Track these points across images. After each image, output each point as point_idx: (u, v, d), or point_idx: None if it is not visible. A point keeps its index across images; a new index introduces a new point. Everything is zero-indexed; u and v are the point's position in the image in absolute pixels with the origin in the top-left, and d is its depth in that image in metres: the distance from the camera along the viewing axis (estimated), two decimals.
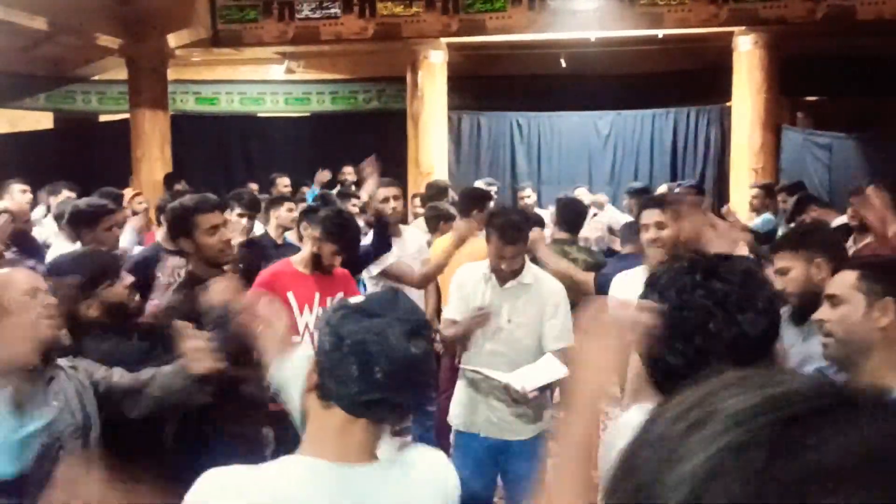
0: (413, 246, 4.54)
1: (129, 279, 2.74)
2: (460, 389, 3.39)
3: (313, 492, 1.27)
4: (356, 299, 1.39)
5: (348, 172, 8.84)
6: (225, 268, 3.04)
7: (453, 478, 1.50)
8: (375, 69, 10.86)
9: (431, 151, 8.99)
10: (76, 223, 4.09)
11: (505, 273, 3.23)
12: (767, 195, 7.03)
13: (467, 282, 3.36)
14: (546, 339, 3.24)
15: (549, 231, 5.15)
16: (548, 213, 6.80)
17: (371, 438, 1.35)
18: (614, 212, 7.35)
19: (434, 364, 1.37)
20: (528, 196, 7.28)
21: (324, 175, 8.45)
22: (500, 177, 9.62)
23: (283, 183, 7.77)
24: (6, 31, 7.56)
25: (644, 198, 3.23)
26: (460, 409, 3.36)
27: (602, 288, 4.40)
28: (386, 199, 4.52)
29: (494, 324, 3.23)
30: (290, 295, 3.36)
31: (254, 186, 7.89)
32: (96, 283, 2.62)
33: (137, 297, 2.81)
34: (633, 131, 9.61)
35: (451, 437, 3.54)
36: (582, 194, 7.49)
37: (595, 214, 6.95)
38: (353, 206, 7.56)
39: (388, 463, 1.37)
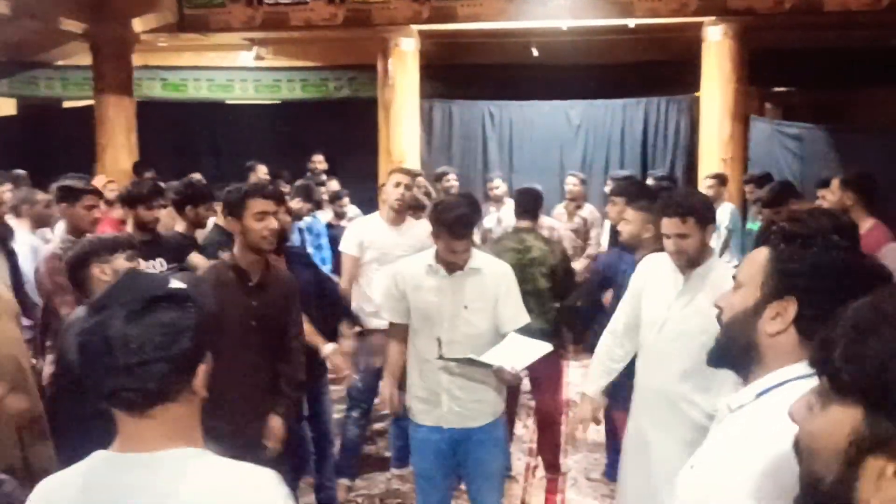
0: (412, 238, 4.51)
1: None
2: (416, 384, 3.36)
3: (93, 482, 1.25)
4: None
5: (318, 161, 8.77)
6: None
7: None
8: (346, 56, 10.77)
9: (403, 140, 8.93)
10: (60, 198, 4.32)
11: (454, 265, 3.24)
12: (721, 185, 7.11)
13: (408, 278, 3.33)
14: (502, 322, 3.27)
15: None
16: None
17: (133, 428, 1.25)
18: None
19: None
20: (498, 187, 7.25)
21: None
22: (471, 166, 9.61)
23: (262, 171, 7.67)
24: None
25: (663, 204, 3.05)
26: (421, 404, 3.34)
27: (599, 275, 4.43)
28: (398, 185, 4.52)
29: (450, 311, 3.23)
30: None
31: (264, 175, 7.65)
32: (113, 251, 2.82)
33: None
34: (603, 121, 9.62)
35: (410, 430, 3.51)
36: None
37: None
38: (323, 195, 7.52)
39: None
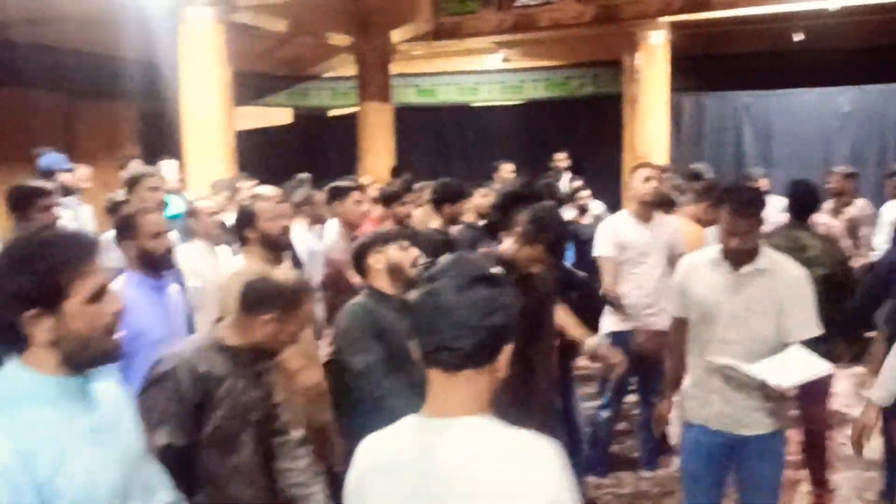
0: (664, 234, 4.43)
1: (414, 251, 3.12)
2: (691, 380, 3.24)
3: (404, 444, 1.41)
4: None
5: (560, 159, 8.80)
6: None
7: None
8: (590, 53, 10.72)
9: (649, 136, 8.72)
10: (331, 197, 4.74)
11: (738, 255, 3.03)
12: None
13: (692, 271, 3.20)
14: (787, 330, 3.01)
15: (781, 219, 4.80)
16: (778, 200, 6.34)
17: (441, 390, 1.39)
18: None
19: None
20: (762, 186, 6.72)
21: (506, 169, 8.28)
22: (724, 161, 9.14)
23: (507, 169, 7.85)
24: (253, 35, 8.32)
25: None
26: (693, 401, 3.22)
27: (881, 276, 4.02)
28: (647, 179, 4.45)
29: (730, 311, 3.05)
30: None
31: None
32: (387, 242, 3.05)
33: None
34: (876, 108, 8.70)
35: (680, 429, 3.40)
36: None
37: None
38: (565, 192, 7.55)
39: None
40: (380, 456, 1.44)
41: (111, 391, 1.64)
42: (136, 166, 4.11)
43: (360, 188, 4.89)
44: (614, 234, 4.52)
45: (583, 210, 7.34)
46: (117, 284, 2.78)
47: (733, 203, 2.96)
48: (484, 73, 11.86)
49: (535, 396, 3.19)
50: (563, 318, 3.71)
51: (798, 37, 9.13)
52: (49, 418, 1.47)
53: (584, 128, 10.15)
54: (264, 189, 5.70)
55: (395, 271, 3.04)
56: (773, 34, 9.30)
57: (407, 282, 3.07)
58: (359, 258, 3.10)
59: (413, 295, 1.42)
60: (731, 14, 8.36)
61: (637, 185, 4.51)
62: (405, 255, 3.06)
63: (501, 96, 11.88)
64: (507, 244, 3.39)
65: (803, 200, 4.33)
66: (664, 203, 4.97)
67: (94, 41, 8.21)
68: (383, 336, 2.90)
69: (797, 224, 4.29)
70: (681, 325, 3.30)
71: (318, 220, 5.82)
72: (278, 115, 12.62)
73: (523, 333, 3.18)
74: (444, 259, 1.46)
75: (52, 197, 3.45)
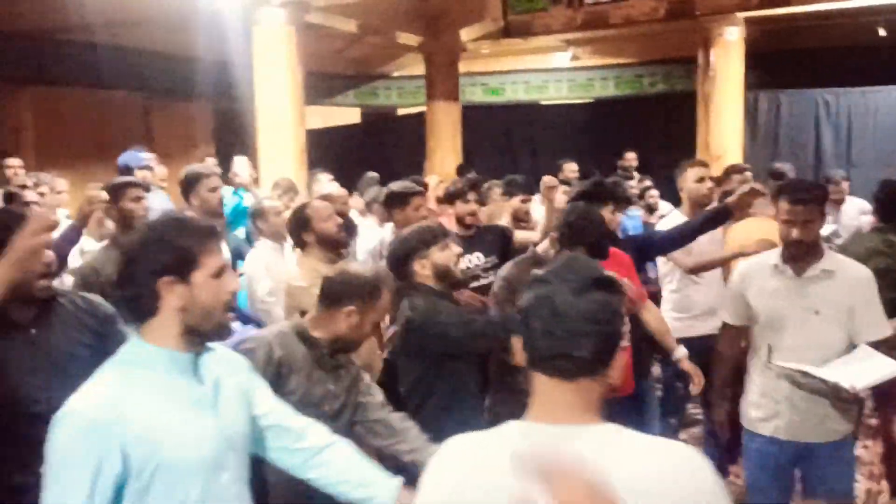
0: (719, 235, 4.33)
1: (457, 248, 3.00)
2: (754, 390, 3.13)
3: (506, 448, 1.30)
4: None
5: (630, 159, 8.64)
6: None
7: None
8: (662, 51, 10.51)
9: (723, 134, 8.49)
10: (389, 204, 4.46)
11: (799, 250, 2.91)
12: None
13: (751, 277, 3.09)
14: (857, 332, 2.91)
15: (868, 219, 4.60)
16: (859, 202, 6.09)
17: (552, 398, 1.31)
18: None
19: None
20: (844, 189, 6.35)
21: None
22: (801, 160, 8.83)
23: (570, 168, 7.77)
24: (323, 35, 8.43)
25: None
26: (758, 411, 3.11)
27: None
28: (701, 179, 4.37)
29: (797, 317, 2.95)
30: None
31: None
32: (429, 245, 2.92)
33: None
34: None
35: (742, 438, 3.28)
36: None
37: None
38: (633, 190, 7.41)
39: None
40: (481, 459, 1.36)
41: (217, 371, 1.76)
42: (194, 166, 4.17)
43: (424, 188, 4.78)
44: None
45: (651, 209, 7.21)
46: None
47: (791, 192, 2.88)
48: (552, 70, 11.76)
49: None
50: (657, 323, 3.64)
51: (883, 31, 8.75)
52: (156, 383, 1.64)
53: (656, 127, 9.95)
54: (332, 188, 5.77)
55: (442, 273, 2.93)
56: (854, 29, 8.95)
57: (455, 282, 3.03)
58: (401, 264, 2.96)
59: (525, 298, 1.36)
60: (811, 9, 8.07)
61: (690, 184, 4.38)
62: (448, 254, 2.94)
63: (570, 94, 11.75)
64: (543, 247, 3.33)
65: (893, 202, 4.14)
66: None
67: (171, 43, 8.45)
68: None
69: (889, 226, 4.09)
70: (733, 332, 3.23)
71: (388, 217, 5.86)
72: (346, 115, 12.76)
73: None
74: (558, 261, 1.42)
75: (141, 188, 3.63)
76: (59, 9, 6.74)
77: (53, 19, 7.45)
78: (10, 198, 4.84)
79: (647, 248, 4.07)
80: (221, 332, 1.73)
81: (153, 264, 1.63)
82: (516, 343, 1.38)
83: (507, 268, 3.50)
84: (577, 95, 11.70)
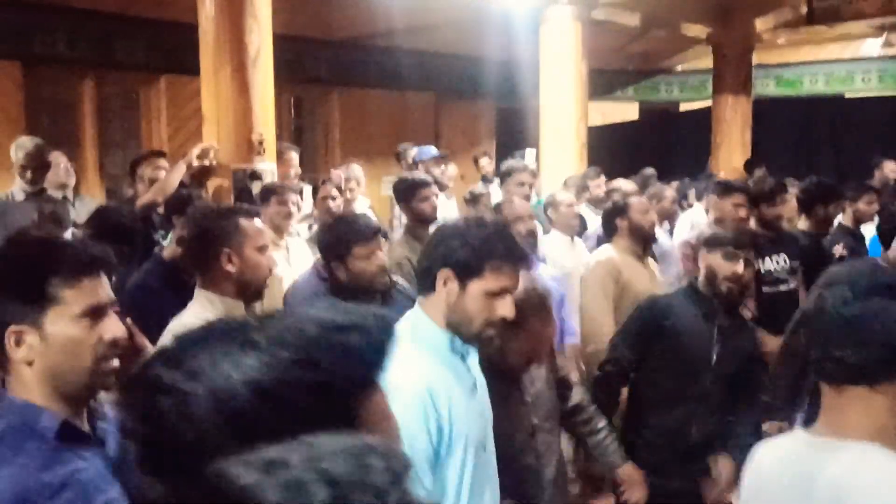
0: None
1: None
2: None
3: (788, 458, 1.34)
4: None
5: None
6: None
7: None
8: None
9: None
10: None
11: None
12: None
13: None
14: None
15: None
16: None
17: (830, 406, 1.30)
18: None
19: None
20: None
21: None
22: None
23: (890, 167, 6.93)
24: (606, 30, 8.32)
25: None
26: None
27: None
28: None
29: None
30: None
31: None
32: None
33: None
34: None
35: None
36: None
37: None
38: None
39: None
40: (770, 466, 1.38)
41: (476, 364, 1.93)
42: (510, 161, 4.48)
43: (744, 190, 4.55)
44: None
45: None
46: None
47: None
48: (860, 60, 10.60)
49: None
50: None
51: None
52: (445, 368, 1.79)
53: None
54: (622, 183, 5.72)
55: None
56: None
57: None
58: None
59: (808, 300, 1.36)
60: None
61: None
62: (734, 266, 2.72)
63: (880, 86, 10.52)
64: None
65: None
66: None
67: (462, 45, 8.86)
68: None
69: None
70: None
71: (665, 216, 5.68)
72: (623, 110, 12.55)
73: None
74: (852, 263, 1.37)
75: (432, 188, 3.79)
76: (368, 18, 7.35)
77: (362, 27, 8.15)
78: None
79: None
80: (477, 340, 1.82)
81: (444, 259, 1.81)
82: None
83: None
84: (890, 87, 10.44)
